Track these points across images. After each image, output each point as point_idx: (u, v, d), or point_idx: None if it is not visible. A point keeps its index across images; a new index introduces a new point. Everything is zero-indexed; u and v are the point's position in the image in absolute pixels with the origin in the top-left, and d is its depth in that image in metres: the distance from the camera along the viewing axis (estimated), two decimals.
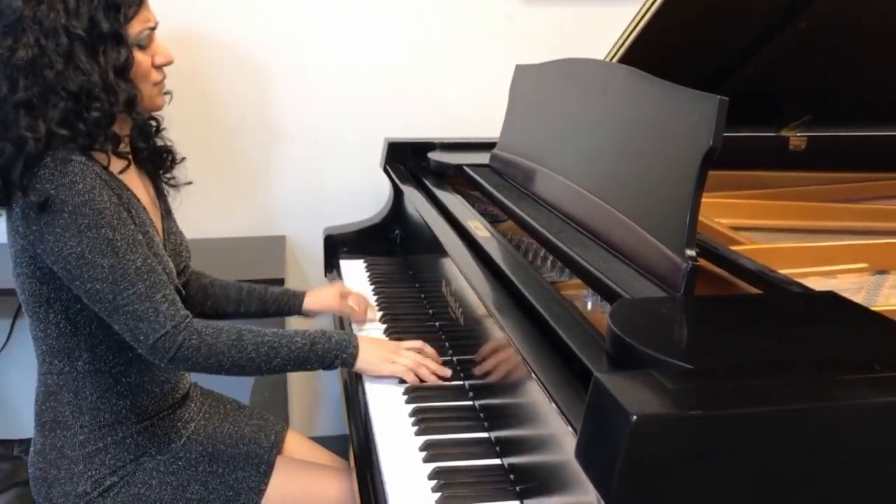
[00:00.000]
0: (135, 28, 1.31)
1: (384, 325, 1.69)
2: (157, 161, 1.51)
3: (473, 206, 1.76)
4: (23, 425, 2.15)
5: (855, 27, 1.65)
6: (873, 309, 1.00)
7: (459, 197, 1.82)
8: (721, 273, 1.22)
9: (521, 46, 2.25)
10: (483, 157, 1.90)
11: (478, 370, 1.35)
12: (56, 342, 1.36)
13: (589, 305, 1.31)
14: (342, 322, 1.75)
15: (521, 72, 1.85)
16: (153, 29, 1.35)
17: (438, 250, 1.57)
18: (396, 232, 2.15)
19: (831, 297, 1.01)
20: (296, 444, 1.64)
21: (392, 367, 1.41)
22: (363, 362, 1.40)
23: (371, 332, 1.64)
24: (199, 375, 1.54)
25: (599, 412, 0.75)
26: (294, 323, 2.09)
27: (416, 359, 1.43)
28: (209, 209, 2.31)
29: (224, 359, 1.32)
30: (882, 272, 1.42)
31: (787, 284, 1.11)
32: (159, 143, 1.51)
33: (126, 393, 1.40)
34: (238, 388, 1.95)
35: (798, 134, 1.97)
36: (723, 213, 1.65)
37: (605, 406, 0.73)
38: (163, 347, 1.28)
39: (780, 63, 1.71)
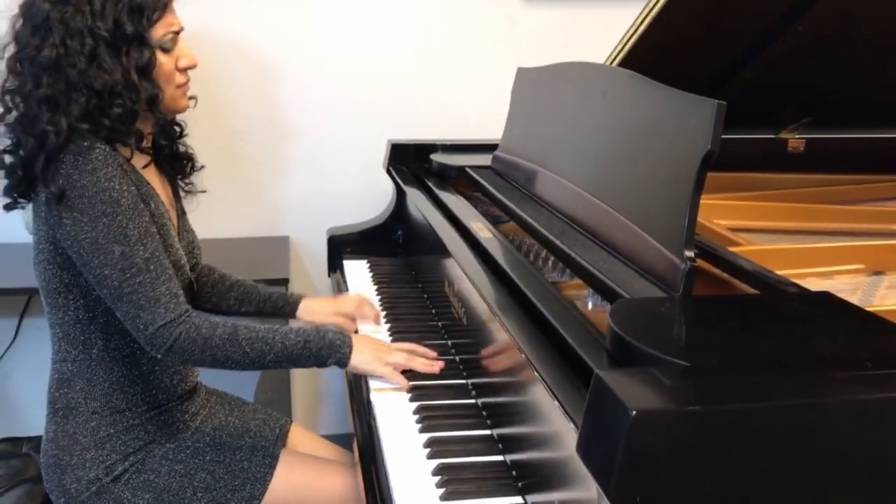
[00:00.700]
0: (158, 31, 1.35)
1: (387, 325, 1.70)
2: (178, 165, 1.55)
3: (475, 207, 1.77)
4: (31, 423, 2.17)
5: (853, 31, 1.66)
6: (868, 309, 1.02)
7: (462, 198, 1.84)
8: (719, 274, 1.25)
9: (522, 49, 2.27)
10: (485, 159, 1.92)
11: (480, 369, 1.37)
12: (72, 329, 1.40)
13: (590, 305, 1.33)
14: None
15: (523, 75, 1.87)
16: (178, 33, 1.39)
17: (441, 251, 1.59)
18: (399, 233, 2.17)
19: (826, 298, 1.03)
20: (300, 437, 1.66)
21: (384, 368, 1.43)
22: (357, 361, 1.43)
23: (373, 334, 1.66)
24: (204, 373, 1.57)
25: (600, 408, 0.77)
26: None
27: (408, 357, 1.46)
28: (214, 210, 2.31)
29: (218, 352, 1.35)
30: (878, 273, 1.44)
31: (784, 285, 1.13)
32: (181, 148, 1.55)
33: (138, 381, 1.43)
34: (242, 387, 1.98)
35: (797, 136, 1.99)
36: (722, 214, 1.67)
37: (606, 402, 0.75)
38: (160, 338, 1.32)
39: (780, 66, 1.73)
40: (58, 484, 1.41)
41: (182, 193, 1.58)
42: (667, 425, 0.73)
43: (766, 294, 1.12)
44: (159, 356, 1.35)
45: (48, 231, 1.35)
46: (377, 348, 1.46)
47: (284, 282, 2.13)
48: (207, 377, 1.63)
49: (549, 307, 1.15)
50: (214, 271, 1.67)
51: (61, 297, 1.39)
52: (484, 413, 1.33)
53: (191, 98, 1.48)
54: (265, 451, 1.48)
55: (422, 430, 1.29)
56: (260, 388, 2.23)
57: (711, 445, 0.74)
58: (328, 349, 1.41)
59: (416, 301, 1.83)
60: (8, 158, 1.37)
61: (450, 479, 1.15)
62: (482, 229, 1.56)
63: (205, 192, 1.61)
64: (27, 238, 1.54)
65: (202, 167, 1.59)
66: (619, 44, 1.66)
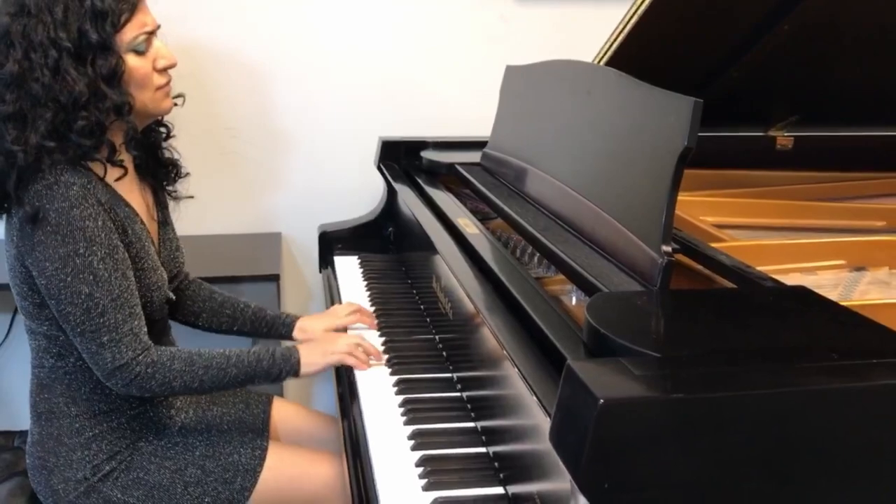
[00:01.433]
0: (128, 34, 1.30)
1: (378, 320, 1.71)
2: (161, 173, 1.53)
3: (464, 203, 1.79)
4: (22, 417, 2.16)
5: (838, 29, 1.67)
6: (846, 304, 1.04)
7: (450, 195, 1.85)
8: (699, 269, 1.26)
9: (514, 47, 2.28)
10: (475, 156, 1.93)
11: (465, 363, 1.39)
12: (47, 342, 1.40)
13: (573, 300, 1.34)
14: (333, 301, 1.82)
15: (511, 73, 1.89)
16: (152, 33, 1.35)
17: (429, 247, 1.60)
18: (390, 229, 2.18)
19: (801, 292, 1.04)
20: (286, 412, 1.69)
21: (331, 357, 1.48)
22: (307, 366, 1.46)
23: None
24: None
25: (570, 397, 0.79)
26: None
27: (352, 342, 1.50)
28: (205, 206, 2.32)
29: (176, 384, 1.37)
30: (860, 269, 1.46)
31: (761, 279, 1.14)
32: (166, 154, 1.53)
33: None
34: None
35: (785, 134, 2.00)
36: (708, 211, 1.69)
37: (576, 391, 0.77)
38: (119, 376, 1.33)
39: (767, 64, 1.74)
40: (45, 485, 1.42)
41: (168, 200, 1.56)
42: (634, 414, 0.75)
43: (742, 288, 1.13)
44: (116, 391, 1.37)
45: (18, 255, 1.32)
46: (323, 342, 1.51)
47: (276, 278, 2.14)
48: None
49: (531, 302, 1.16)
50: (203, 286, 1.66)
51: (35, 311, 1.37)
52: (468, 406, 1.34)
53: (178, 97, 1.45)
54: (254, 442, 1.50)
55: (407, 423, 1.31)
56: None
57: (678, 434, 0.75)
58: (279, 364, 1.44)
59: (406, 297, 1.84)
60: None
61: (433, 469, 1.17)
62: (469, 226, 1.57)
63: (192, 197, 1.59)
64: None
65: (187, 174, 1.56)
66: (606, 42, 1.68)
